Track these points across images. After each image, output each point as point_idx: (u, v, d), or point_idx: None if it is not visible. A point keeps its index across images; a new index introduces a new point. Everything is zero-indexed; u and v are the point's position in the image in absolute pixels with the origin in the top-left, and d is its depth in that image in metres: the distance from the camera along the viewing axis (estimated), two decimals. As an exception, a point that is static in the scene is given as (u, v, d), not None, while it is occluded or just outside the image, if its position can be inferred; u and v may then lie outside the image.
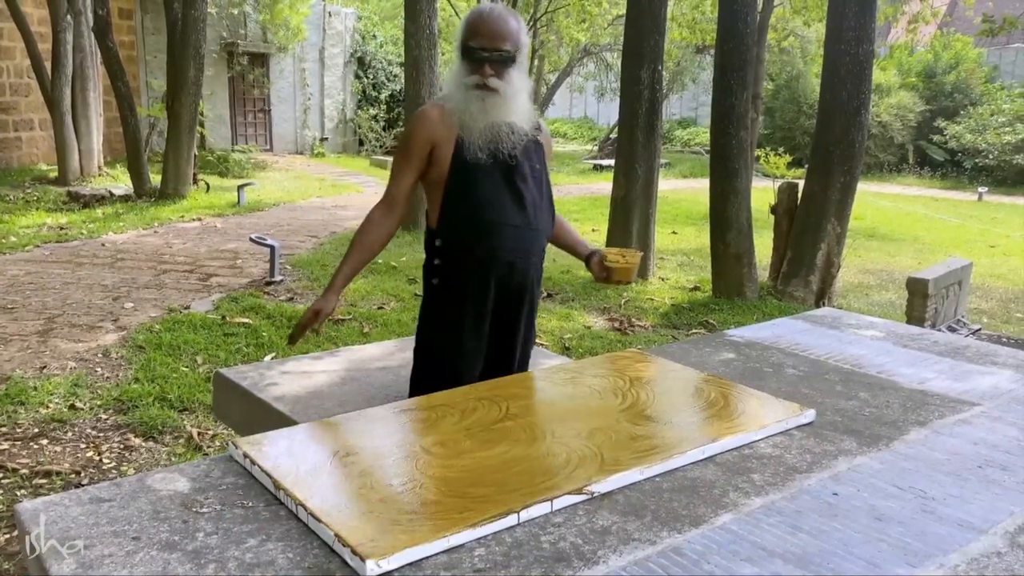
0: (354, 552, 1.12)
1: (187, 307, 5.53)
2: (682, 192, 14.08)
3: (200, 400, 3.83)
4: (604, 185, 11.81)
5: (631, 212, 6.92)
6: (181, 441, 3.46)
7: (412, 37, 8.28)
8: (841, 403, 1.86)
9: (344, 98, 18.62)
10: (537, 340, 2.44)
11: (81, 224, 8.51)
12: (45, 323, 5.03)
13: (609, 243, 6.94)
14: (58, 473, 3.13)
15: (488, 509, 1.25)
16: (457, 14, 15.62)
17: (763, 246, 6.82)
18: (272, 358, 4.25)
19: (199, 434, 3.50)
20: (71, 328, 4.96)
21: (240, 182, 11.53)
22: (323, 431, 1.59)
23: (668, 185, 13.97)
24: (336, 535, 1.16)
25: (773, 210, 6.74)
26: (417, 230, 8.12)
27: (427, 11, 8.19)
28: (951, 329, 5.27)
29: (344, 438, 1.54)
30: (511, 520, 1.24)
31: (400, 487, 1.32)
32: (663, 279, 7.21)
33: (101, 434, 3.50)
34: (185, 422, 3.63)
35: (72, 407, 3.75)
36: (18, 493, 2.96)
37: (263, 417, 2.27)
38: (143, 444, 3.42)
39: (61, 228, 8.27)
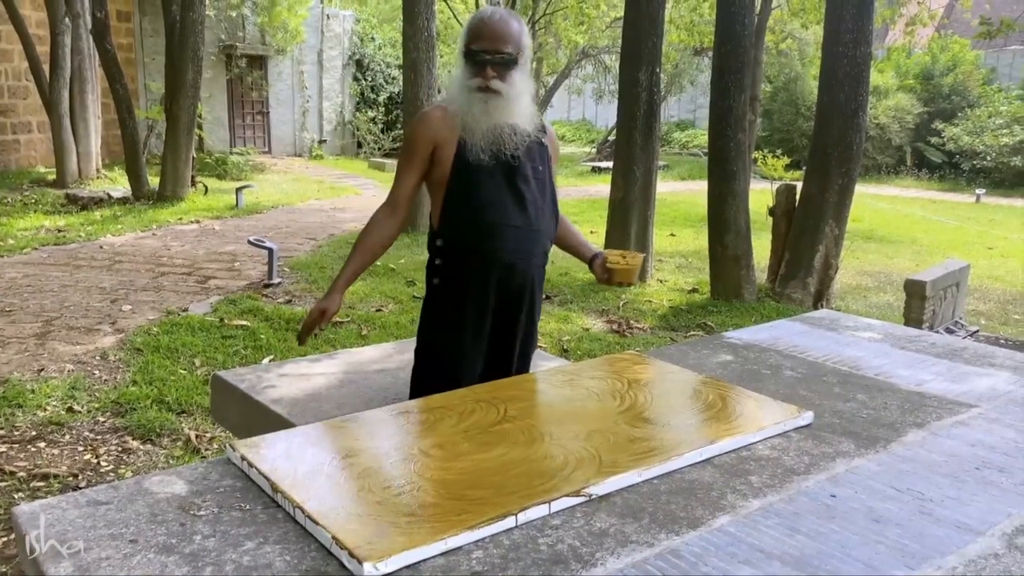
0: (352, 554, 1.12)
1: (185, 309, 5.52)
2: (680, 194, 14.09)
3: (198, 403, 3.83)
4: (602, 187, 11.83)
5: (629, 214, 6.93)
6: (179, 444, 3.45)
7: (410, 39, 8.28)
8: (839, 405, 1.86)
9: (342, 100, 18.63)
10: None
11: (79, 226, 8.51)
12: (43, 326, 5.03)
13: (607, 245, 6.94)
14: (56, 476, 3.12)
15: (486, 511, 1.25)
16: (455, 16, 15.64)
17: (761, 248, 6.82)
18: (270, 360, 4.25)
19: (197, 437, 3.49)
20: (69, 331, 4.95)
21: (238, 184, 11.53)
22: (321, 433, 1.59)
23: (666, 187, 13.99)
24: (334, 537, 1.16)
25: (771, 212, 6.75)
26: (416, 232, 8.12)
27: (425, 13, 8.19)
28: (949, 331, 5.28)
29: (342, 440, 1.54)
30: (509, 522, 1.24)
31: (398, 489, 1.32)
32: (661, 281, 7.21)
33: (99, 437, 3.50)
34: (183, 425, 3.62)
35: (70, 410, 3.74)
36: (15, 496, 2.96)
37: (261, 419, 2.27)
38: (141, 447, 3.42)
39: (59, 230, 8.26)
